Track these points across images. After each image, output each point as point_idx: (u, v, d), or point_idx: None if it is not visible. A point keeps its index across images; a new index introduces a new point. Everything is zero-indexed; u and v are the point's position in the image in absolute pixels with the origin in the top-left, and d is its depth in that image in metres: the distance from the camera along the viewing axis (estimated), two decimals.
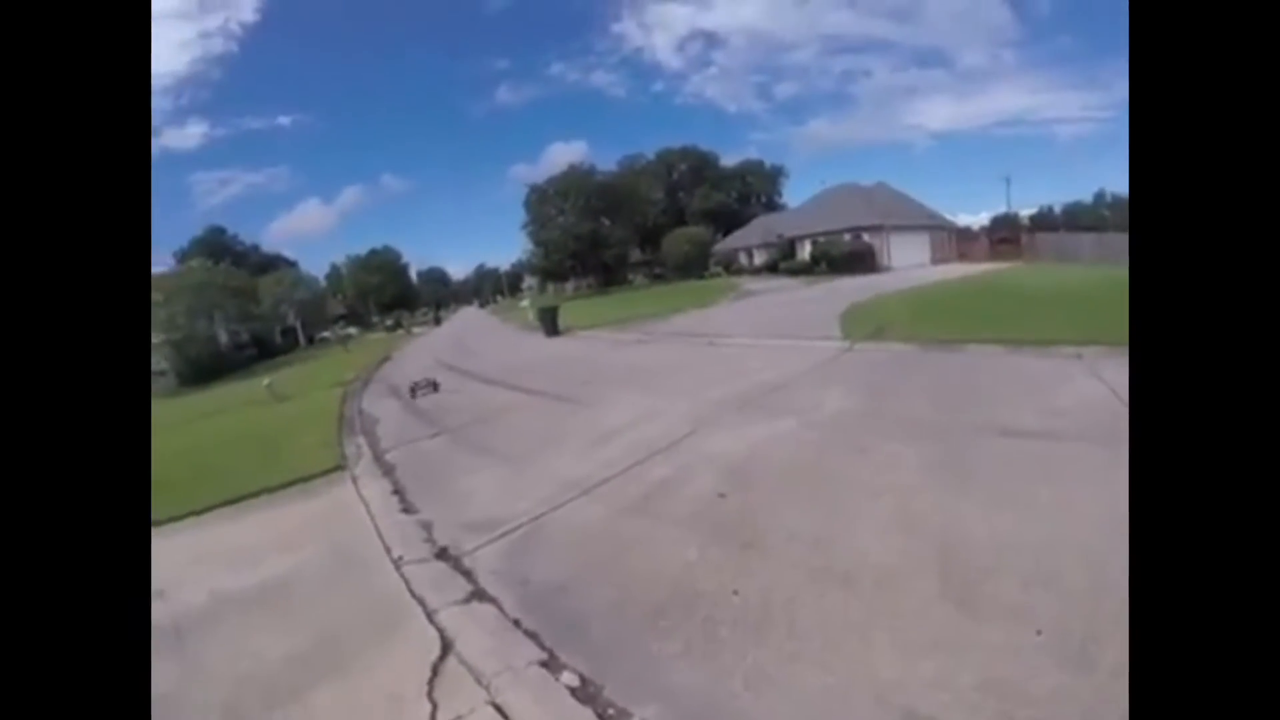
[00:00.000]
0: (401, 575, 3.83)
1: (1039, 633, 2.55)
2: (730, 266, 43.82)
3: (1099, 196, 70.97)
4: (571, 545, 3.96)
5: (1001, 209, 60.10)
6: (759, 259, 41.40)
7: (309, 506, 5.58)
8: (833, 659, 2.54)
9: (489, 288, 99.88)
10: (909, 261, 32.98)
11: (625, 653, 2.77)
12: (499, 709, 2.52)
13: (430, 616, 3.29)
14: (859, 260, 32.14)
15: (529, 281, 71.73)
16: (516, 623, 3.13)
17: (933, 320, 11.40)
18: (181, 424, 12.67)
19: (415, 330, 45.33)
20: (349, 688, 2.80)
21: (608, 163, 61.99)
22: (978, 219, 62.88)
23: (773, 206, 62.26)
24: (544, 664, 2.76)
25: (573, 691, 2.56)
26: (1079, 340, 8.30)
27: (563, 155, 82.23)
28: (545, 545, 4.01)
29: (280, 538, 4.83)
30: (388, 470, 6.40)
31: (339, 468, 6.65)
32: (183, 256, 56.14)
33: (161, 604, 3.74)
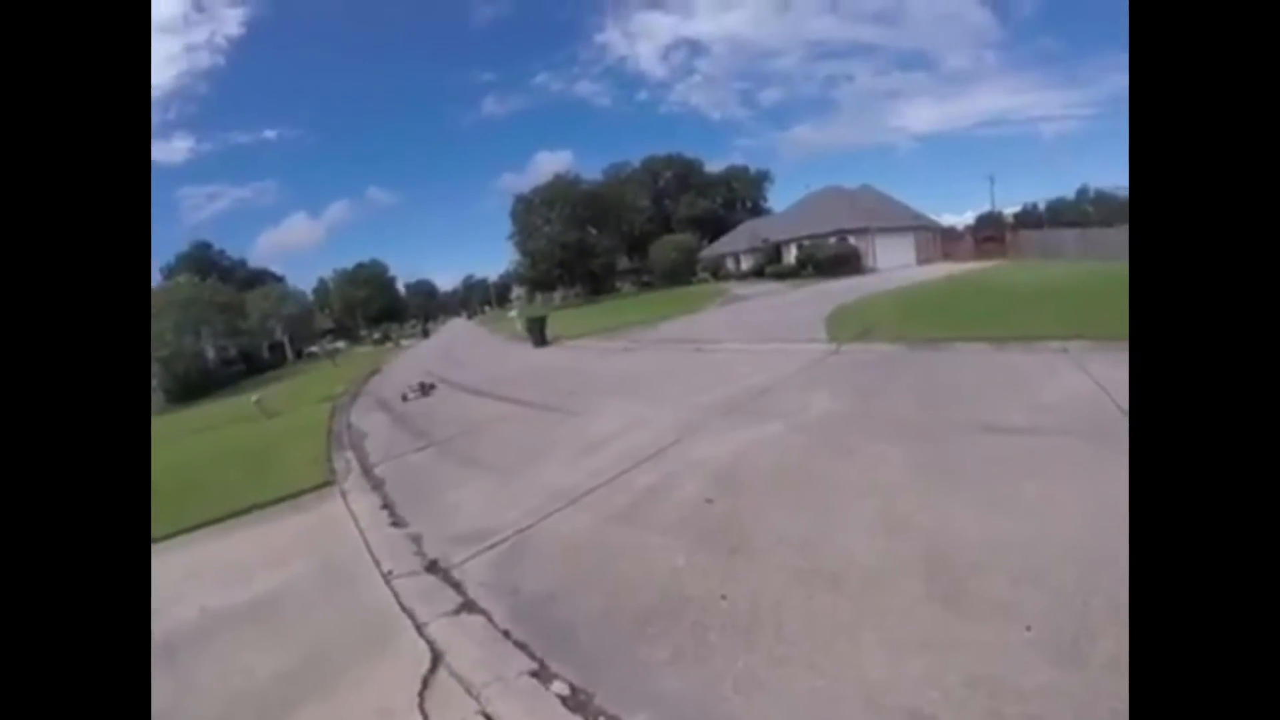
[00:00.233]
0: (391, 588, 3.82)
1: (1028, 629, 2.57)
2: (717, 272, 43.96)
3: (1082, 192, 71.73)
4: (560, 555, 3.96)
5: (986, 208, 60.84)
6: (745, 264, 41.57)
7: (299, 522, 5.55)
8: (822, 661, 2.55)
9: (477, 299, 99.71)
10: (895, 262, 33.25)
11: (615, 660, 2.77)
12: None
13: (420, 629, 3.28)
14: (845, 262, 32.35)
15: (517, 292, 71.73)
16: (506, 633, 3.12)
17: (918, 320, 11.50)
18: (170, 441, 12.54)
19: (404, 343, 45.18)
20: (340, 702, 2.79)
21: (593, 172, 62.24)
22: (962, 218, 63.40)
23: (758, 212, 62.49)
24: (534, 674, 2.76)
25: (563, 700, 2.56)
26: (1064, 335, 8.38)
27: (549, 165, 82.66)
28: (534, 555, 4.00)
29: (270, 554, 4.80)
30: (377, 484, 6.37)
31: (328, 483, 6.61)
32: (169, 272, 55.83)
33: (153, 621, 3.71)
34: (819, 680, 2.45)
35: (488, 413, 9.40)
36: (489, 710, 2.57)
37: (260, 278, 65.53)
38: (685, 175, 65.41)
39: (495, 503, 5.11)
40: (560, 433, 7.15)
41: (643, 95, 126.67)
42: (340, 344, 55.67)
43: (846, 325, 11.70)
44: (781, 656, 2.62)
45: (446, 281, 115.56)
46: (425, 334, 55.31)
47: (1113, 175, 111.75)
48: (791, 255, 36.24)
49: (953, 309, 13.22)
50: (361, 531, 4.99)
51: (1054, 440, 4.69)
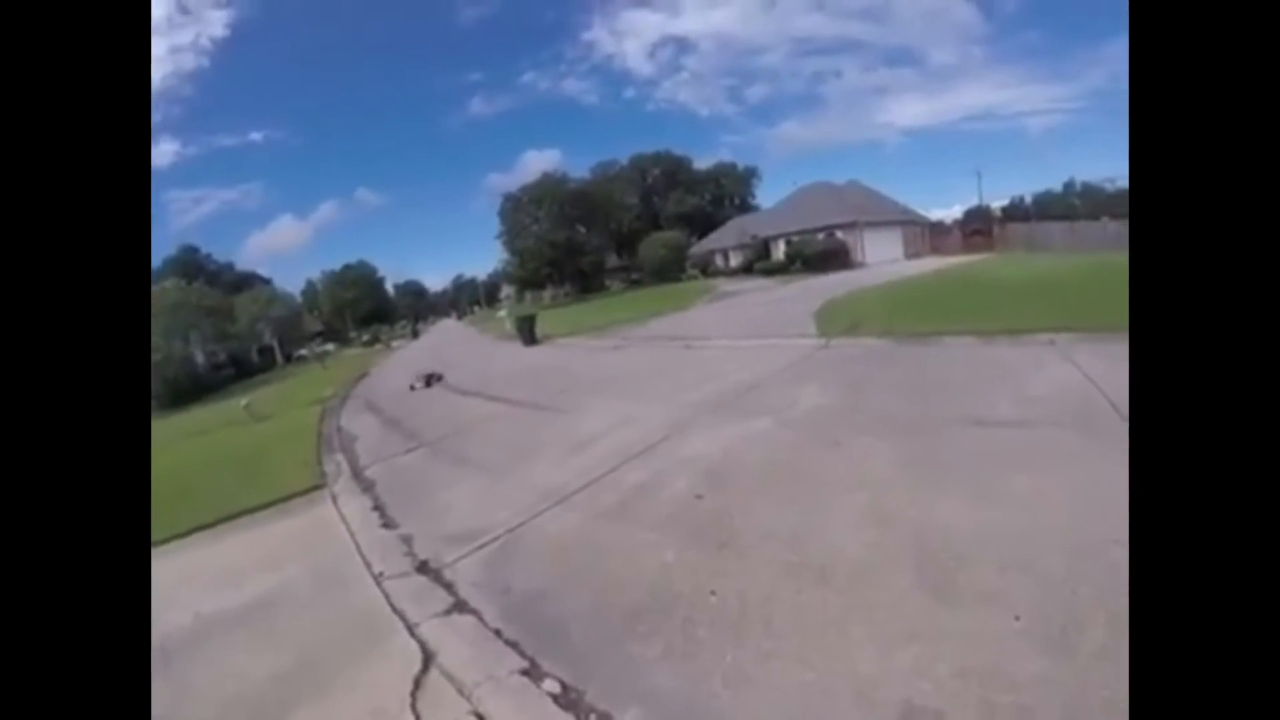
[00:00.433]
0: (383, 590, 3.82)
1: (1017, 619, 2.60)
2: (706, 269, 43.99)
3: (1069, 185, 71.84)
4: (550, 553, 3.96)
5: (973, 202, 60.64)
6: (734, 260, 41.64)
7: (290, 525, 5.54)
8: (811, 655, 2.57)
9: (466, 298, 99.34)
10: (882, 257, 33.38)
11: (605, 657, 2.78)
12: (481, 718, 2.54)
13: (412, 630, 3.28)
14: (833, 258, 32.44)
15: (506, 291, 71.53)
16: (497, 632, 3.13)
17: (906, 314, 11.56)
18: (161, 446, 12.43)
19: (393, 344, 44.98)
20: (333, 704, 2.79)
21: (581, 170, 62.13)
22: (950, 212, 63.66)
23: (746, 208, 62.63)
24: (525, 672, 2.77)
25: (554, 698, 2.57)
26: (1051, 327, 8.43)
27: (537, 164, 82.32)
28: (524, 554, 4.01)
29: (262, 558, 4.79)
30: (367, 486, 6.36)
31: (318, 486, 6.59)
32: (156, 277, 55.28)
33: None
34: (809, 674, 2.46)
35: (478, 412, 9.39)
36: (481, 709, 2.58)
37: (248, 281, 65.23)
38: (673, 172, 65.43)
39: (486, 502, 5.11)
40: (550, 431, 7.14)
41: (630, 93, 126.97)
42: (329, 346, 55.32)
43: (835, 320, 11.75)
44: (770, 651, 2.63)
45: (436, 282, 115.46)
46: (415, 335, 55.12)
47: (1099, 168, 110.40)
48: (780, 251, 36.32)
49: (940, 303, 13.28)
50: (352, 534, 4.98)
51: (1042, 432, 4.73)
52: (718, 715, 2.34)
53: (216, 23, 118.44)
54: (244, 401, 15.33)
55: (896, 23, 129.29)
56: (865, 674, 2.42)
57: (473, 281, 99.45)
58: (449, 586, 3.73)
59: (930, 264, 27.07)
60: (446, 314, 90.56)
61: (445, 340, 34.00)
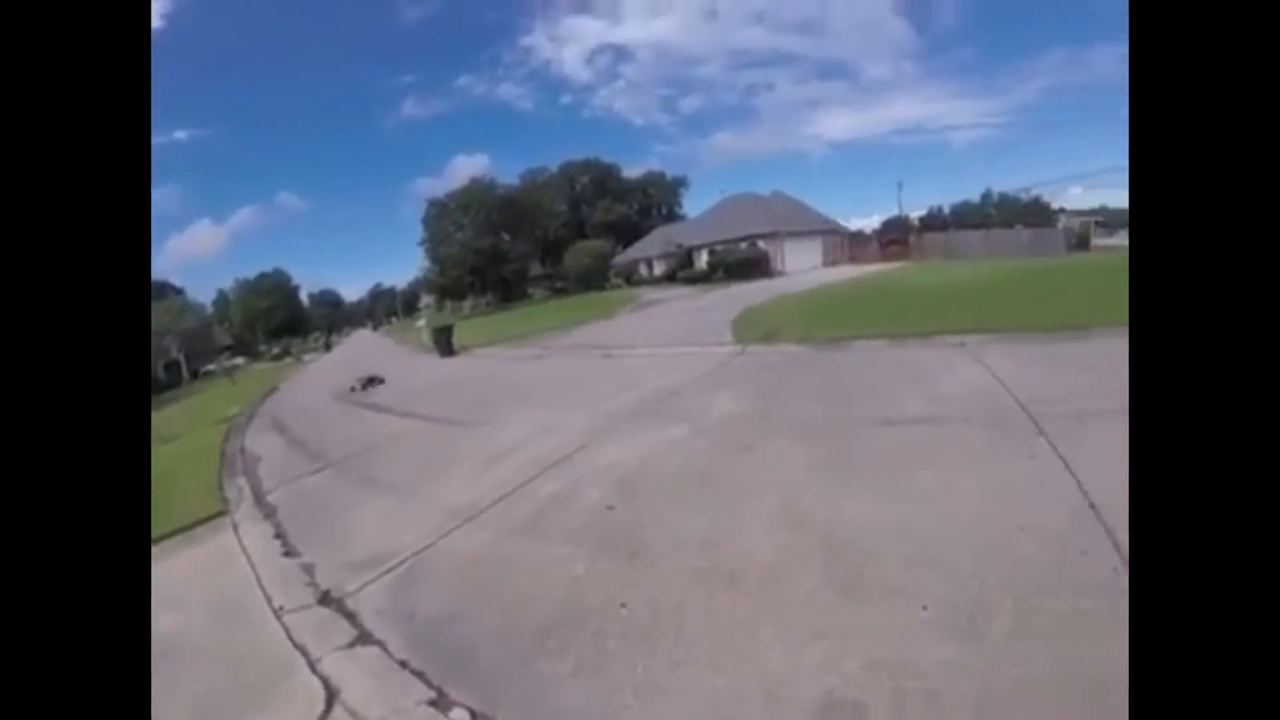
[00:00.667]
0: (283, 625, 3.60)
1: (925, 609, 2.70)
2: (631, 278, 44.19)
3: (986, 196, 75.50)
4: (458, 574, 3.85)
5: (893, 212, 63.46)
6: (659, 269, 42.02)
7: (190, 557, 5.15)
8: (722, 659, 2.60)
9: (383, 309, 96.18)
10: (802, 266, 34.40)
11: (515, 679, 2.72)
12: None
13: (313, 666, 3.10)
14: (754, 266, 33.25)
15: (426, 300, 69.59)
16: (403, 663, 3.00)
17: (821, 320, 11.93)
18: None
19: (305, 358, 42.94)
20: None
21: (512, 176, 61.32)
22: (869, 222, 65.99)
23: (673, 218, 63.29)
24: (433, 702, 2.67)
25: None
26: (961, 329, 8.89)
27: (466, 169, 79.77)
28: (431, 577, 3.87)
29: (160, 595, 4.43)
30: (269, 513, 5.99)
31: (221, 513, 6.17)
32: None
33: None
34: (719, 679, 2.49)
35: (388, 429, 9.04)
36: None
37: (161, 290, 60.88)
38: (603, 180, 65.50)
39: (392, 524, 4.91)
40: (463, 445, 6.96)
41: (566, 99, 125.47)
42: (239, 360, 52.26)
43: (752, 328, 12.01)
44: (681, 659, 2.64)
45: (352, 292, 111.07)
46: (328, 347, 52.82)
47: (1018, 179, 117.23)
48: (703, 260, 36.93)
49: (854, 309, 13.81)
50: (253, 565, 4.68)
51: (949, 428, 4.96)
52: None
53: None
54: None
55: (832, 37, 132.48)
56: (775, 673, 2.46)
57: (391, 291, 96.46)
58: (352, 617, 3.55)
59: (848, 272, 28.06)
60: (362, 324, 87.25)
61: (359, 352, 32.70)
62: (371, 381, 13.87)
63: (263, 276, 76.50)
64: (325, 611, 3.69)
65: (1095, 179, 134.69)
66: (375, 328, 75.38)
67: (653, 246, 45.58)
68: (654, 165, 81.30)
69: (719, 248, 36.21)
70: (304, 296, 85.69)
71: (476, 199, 46.93)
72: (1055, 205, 67.77)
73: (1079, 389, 5.61)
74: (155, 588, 4.55)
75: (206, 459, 9.28)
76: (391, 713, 2.64)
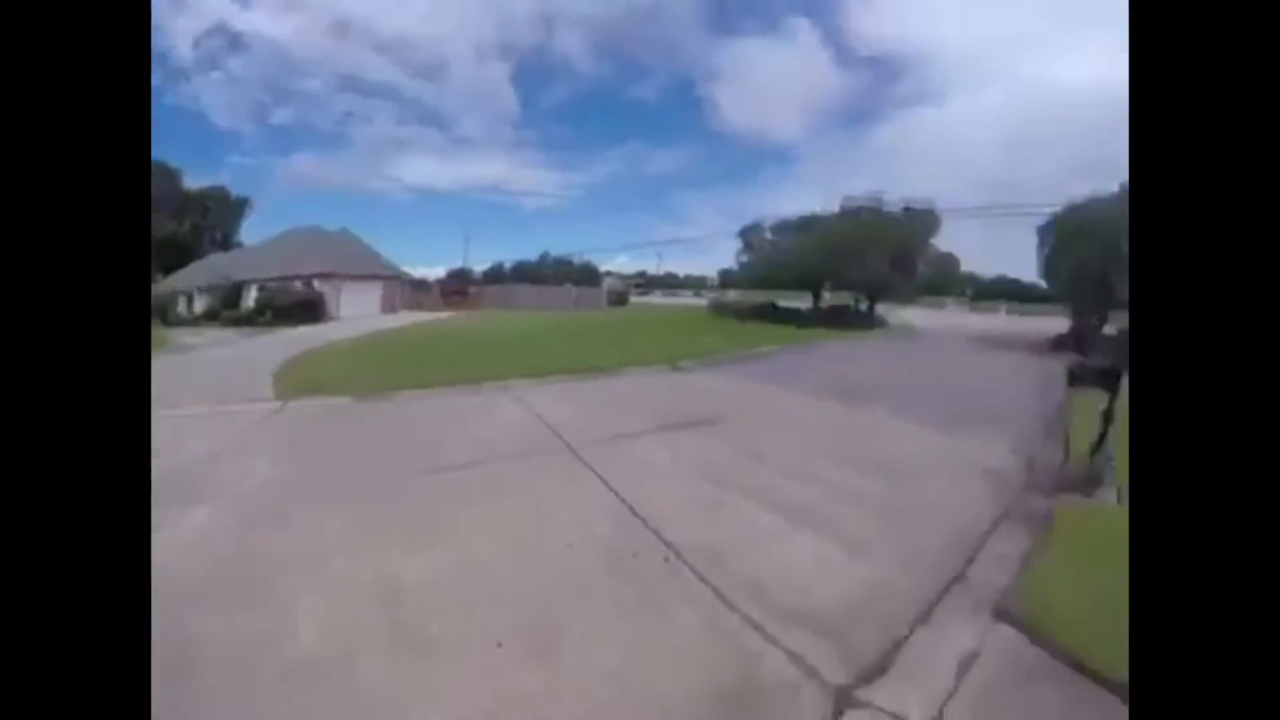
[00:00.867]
0: None
1: (499, 645, 2.81)
2: (167, 315, 36.78)
3: (543, 256, 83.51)
4: None
5: (459, 264, 67.25)
6: (199, 305, 36.23)
7: None
8: None
9: None
10: (359, 311, 33.25)
11: None
12: None
13: None
14: (306, 309, 30.76)
15: None
16: None
17: (368, 371, 11.65)
18: None
19: None
20: None
21: None
22: (434, 271, 68.19)
23: (228, 245, 55.38)
24: None
25: None
26: (507, 375, 9.56)
27: None
28: None
29: None
30: None
31: None
32: None
33: None
34: None
35: None
36: None
37: None
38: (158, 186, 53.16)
39: None
40: None
41: (156, 79, 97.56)
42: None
43: (294, 380, 10.96)
44: None
45: None
46: None
47: (574, 245, 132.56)
48: (252, 298, 33.31)
49: (406, 357, 13.82)
50: None
51: (489, 468, 5.26)
52: None
53: None
54: None
55: (445, 87, 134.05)
56: None
57: None
58: None
59: (405, 319, 28.28)
60: None
61: None
62: None
63: None
64: None
65: (640, 249, 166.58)
66: None
67: (198, 277, 38.81)
68: (222, 179, 69.82)
69: (272, 285, 32.88)
70: None
71: None
72: (603, 269, 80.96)
73: (610, 418, 6.58)
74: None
75: None
76: None
